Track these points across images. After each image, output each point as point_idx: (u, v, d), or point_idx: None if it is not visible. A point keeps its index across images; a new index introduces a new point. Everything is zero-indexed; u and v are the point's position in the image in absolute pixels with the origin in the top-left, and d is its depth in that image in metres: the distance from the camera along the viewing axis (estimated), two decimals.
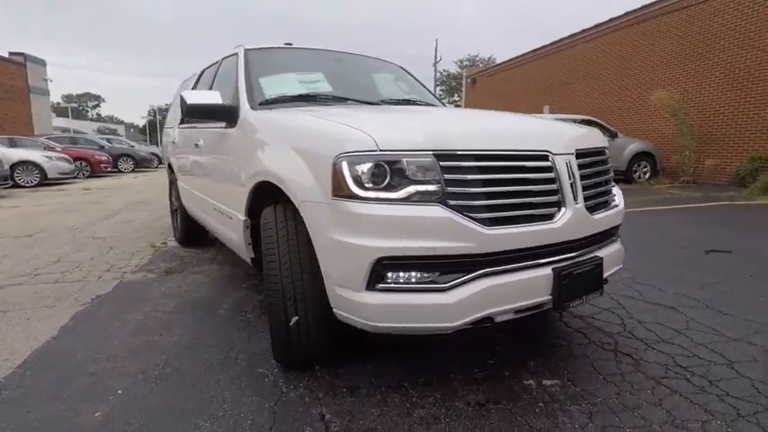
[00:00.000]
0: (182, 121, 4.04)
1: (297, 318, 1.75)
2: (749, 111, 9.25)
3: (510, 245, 1.57)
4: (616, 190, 2.15)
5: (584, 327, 2.41)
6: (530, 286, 1.63)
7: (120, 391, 1.80)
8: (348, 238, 1.53)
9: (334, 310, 1.67)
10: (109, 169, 15.94)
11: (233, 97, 2.64)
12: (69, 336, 2.34)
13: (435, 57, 34.82)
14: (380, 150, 1.52)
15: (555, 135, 1.79)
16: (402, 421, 1.60)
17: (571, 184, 1.73)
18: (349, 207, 1.53)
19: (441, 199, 1.51)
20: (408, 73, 3.66)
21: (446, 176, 1.52)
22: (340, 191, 1.56)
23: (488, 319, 1.60)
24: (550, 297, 1.67)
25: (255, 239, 2.31)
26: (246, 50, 2.91)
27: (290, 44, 3.18)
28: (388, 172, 1.51)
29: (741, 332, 2.28)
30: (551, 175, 1.70)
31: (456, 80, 42.78)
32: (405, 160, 1.51)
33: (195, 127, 3.34)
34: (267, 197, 2.11)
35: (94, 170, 14.92)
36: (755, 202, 7.03)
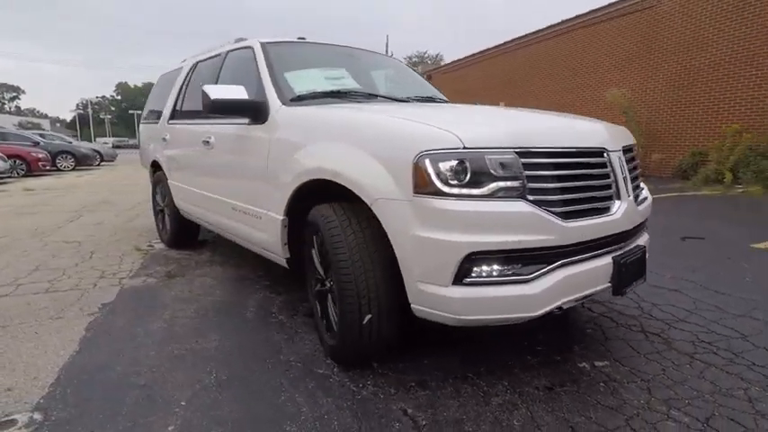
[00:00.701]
0: (172, 117, 3.83)
1: (370, 316, 1.75)
2: (689, 109, 10.17)
3: (583, 236, 1.66)
4: (642, 183, 2.33)
5: (607, 311, 2.59)
6: (596, 274, 1.74)
7: (183, 403, 1.70)
8: (435, 234, 1.55)
9: (412, 305, 1.68)
10: (47, 167, 14.60)
11: (256, 92, 2.54)
12: (94, 348, 2.16)
13: (387, 53, 35.22)
14: (465, 148, 1.55)
15: (607, 133, 1.91)
16: (483, 410, 1.66)
17: (624, 178, 1.86)
18: (435, 204, 1.55)
19: (521, 194, 1.57)
20: (412, 68, 3.70)
21: (526, 173, 1.59)
22: (423, 188, 1.57)
23: (559, 307, 1.69)
24: (610, 284, 1.79)
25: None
26: (264, 44, 2.81)
27: (304, 38, 3.10)
28: (472, 169, 1.55)
29: (742, 309, 2.55)
30: (608, 170, 1.81)
31: None
32: (488, 157, 1.56)
33: (201, 123, 3.17)
34: (310, 195, 2.09)
35: (31, 168, 13.60)
36: (702, 193, 7.78)
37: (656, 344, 2.16)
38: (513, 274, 1.58)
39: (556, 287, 1.61)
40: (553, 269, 1.62)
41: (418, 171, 1.58)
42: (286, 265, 2.44)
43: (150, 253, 4.02)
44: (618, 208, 1.81)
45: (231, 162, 2.76)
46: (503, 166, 1.56)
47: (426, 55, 45.69)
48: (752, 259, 3.55)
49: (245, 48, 2.96)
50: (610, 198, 1.81)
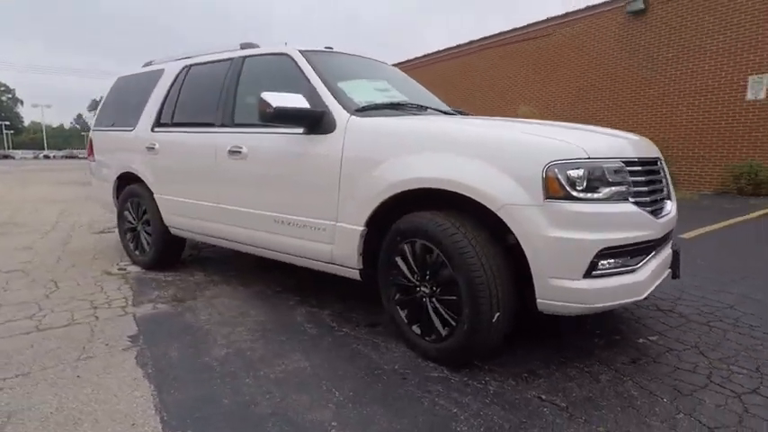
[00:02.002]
0: (160, 124, 3.46)
1: (498, 314, 1.88)
2: (588, 123, 11.94)
3: (665, 230, 2.01)
4: None
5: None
6: (666, 262, 2.11)
7: (335, 423, 1.64)
8: (569, 234, 1.75)
9: (539, 300, 1.85)
10: None
11: (311, 102, 2.48)
12: (174, 383, 1.91)
13: None
14: (589, 158, 1.79)
15: (652, 144, 2.32)
16: (600, 386, 1.89)
17: (668, 182, 2.27)
18: (567, 207, 1.76)
19: (627, 197, 1.86)
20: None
21: (630, 179, 1.88)
22: (554, 194, 1.77)
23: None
24: (670, 269, 2.18)
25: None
26: (304, 52, 2.75)
27: (331, 48, 3.08)
28: (595, 176, 1.79)
29: (716, 286, 3.21)
30: (661, 175, 2.20)
31: None
32: (605, 166, 1.81)
33: (221, 132, 2.94)
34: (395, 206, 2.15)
35: None
36: None
37: (676, 318, 2.63)
38: (626, 265, 1.86)
39: (652, 274, 1.93)
40: (650, 259, 1.93)
41: (549, 179, 1.77)
42: (357, 277, 2.43)
43: (129, 277, 3.54)
44: (670, 207, 2.21)
45: (277, 173, 2.63)
46: (615, 173, 1.83)
47: None
48: (689, 248, 4.41)
49: (278, 54, 2.86)
50: (664, 199, 2.21)
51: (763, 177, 8.19)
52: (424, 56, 17.32)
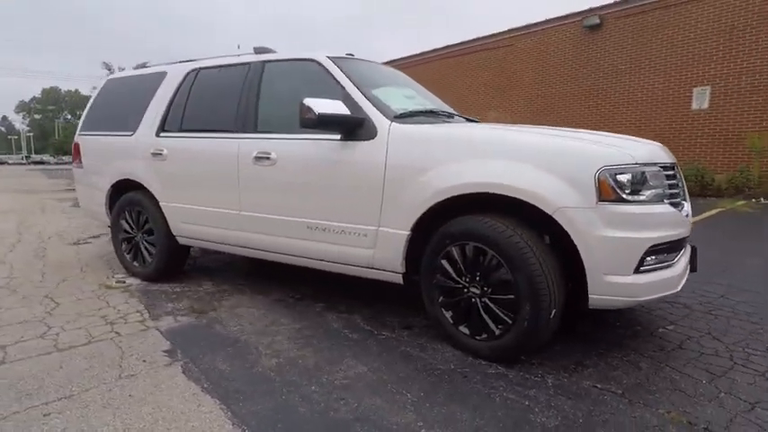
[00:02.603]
0: (165, 128, 3.32)
1: (555, 310, 2.00)
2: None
3: (690, 228, 2.22)
4: None
5: None
6: (687, 257, 2.32)
7: (421, 423, 1.67)
8: (622, 233, 1.90)
9: (592, 296, 1.98)
10: None
11: (351, 108, 2.49)
12: (240, 397, 1.86)
13: None
14: (636, 163, 1.95)
15: (668, 150, 2.54)
16: (644, 374, 2.05)
17: (683, 185, 2.50)
18: (619, 209, 1.91)
19: (663, 198, 2.04)
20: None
21: (665, 182, 2.07)
22: (607, 196, 1.91)
23: None
24: (689, 264, 2.40)
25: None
26: (333, 58, 2.76)
27: (352, 54, 3.10)
28: (640, 179, 1.96)
29: (702, 279, 3.53)
30: (678, 178, 2.43)
31: None
32: (647, 170, 1.99)
33: (245, 138, 2.87)
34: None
35: None
36: None
37: (681, 308, 2.89)
38: (665, 261, 2.04)
39: (684, 268, 2.13)
40: (682, 254, 2.13)
41: (601, 183, 1.92)
42: (399, 281, 2.47)
43: (133, 290, 3.34)
44: (687, 207, 2.44)
45: (312, 179, 2.62)
46: (654, 177, 2.02)
47: None
48: None
49: (303, 60, 2.84)
50: (682, 200, 2.43)
51: (708, 180, 9.05)
52: (390, 61, 17.55)
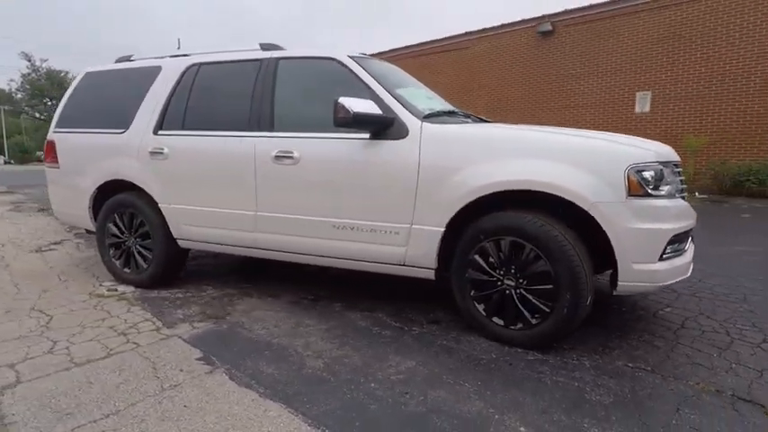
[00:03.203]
0: (172, 128, 3.15)
1: (590, 297, 2.16)
2: None
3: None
4: None
5: None
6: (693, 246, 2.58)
7: (492, 410, 1.75)
8: (649, 225, 2.10)
9: (621, 283, 2.16)
10: None
11: (381, 107, 2.51)
12: (304, 399, 1.83)
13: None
14: (656, 161, 2.16)
15: None
16: (676, 351, 2.28)
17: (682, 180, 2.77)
18: (646, 203, 2.11)
19: (676, 193, 2.27)
20: None
21: (677, 178, 2.30)
22: (635, 192, 2.10)
23: None
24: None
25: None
26: (354, 58, 2.76)
27: (365, 54, 3.10)
28: (661, 176, 2.17)
29: None
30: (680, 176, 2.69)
31: None
32: (665, 168, 2.20)
33: (264, 136, 2.79)
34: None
35: None
36: None
37: (670, 292, 3.19)
38: (679, 249, 2.27)
39: (691, 255, 2.37)
40: (690, 243, 2.38)
41: (630, 180, 2.10)
42: (431, 277, 2.53)
43: (131, 298, 3.13)
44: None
45: (339, 178, 2.60)
46: (670, 173, 2.24)
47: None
48: None
49: (323, 59, 2.82)
50: (684, 194, 2.69)
51: None
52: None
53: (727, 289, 3.26)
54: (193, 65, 3.21)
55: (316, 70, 2.88)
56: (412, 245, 2.49)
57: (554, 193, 2.17)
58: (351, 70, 2.71)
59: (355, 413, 1.74)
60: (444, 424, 1.67)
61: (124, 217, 3.35)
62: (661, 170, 2.19)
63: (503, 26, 12.66)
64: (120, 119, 3.33)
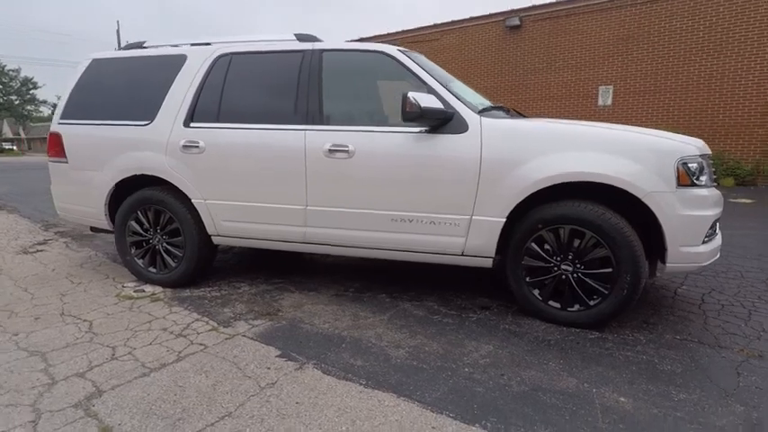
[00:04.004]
0: (206, 121, 3.02)
1: (645, 279, 2.37)
2: None
3: None
4: None
5: None
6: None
7: (586, 384, 1.90)
8: (696, 212, 2.34)
9: (669, 264, 2.39)
10: None
11: (444, 103, 2.56)
12: (426, 386, 1.89)
13: (119, 42, 29.65)
14: (698, 155, 2.39)
15: None
16: (713, 324, 2.55)
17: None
18: (693, 192, 2.34)
19: (710, 182, 2.53)
20: None
21: (710, 169, 2.55)
22: (683, 182, 2.33)
23: None
24: None
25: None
26: (404, 52, 2.79)
27: (403, 49, 3.12)
28: (702, 167, 2.41)
29: None
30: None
31: None
32: (704, 160, 2.45)
33: (313, 129, 2.75)
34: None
35: None
36: None
37: (693, 275, 3.48)
38: (714, 233, 2.54)
39: (720, 239, 2.66)
40: (718, 228, 2.66)
41: (679, 171, 2.32)
42: (488, 265, 2.65)
43: (166, 298, 2.99)
44: None
45: (397, 171, 2.63)
46: (707, 165, 2.49)
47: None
48: None
49: (371, 52, 2.81)
50: None
51: None
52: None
53: (723, 267, 3.66)
54: (224, 55, 3.08)
55: (364, 63, 2.88)
56: (472, 235, 2.59)
57: (613, 184, 2.34)
58: (403, 64, 2.73)
59: (467, 396, 1.83)
60: (553, 399, 1.80)
61: (149, 214, 3.18)
62: (702, 162, 2.43)
63: (472, 19, 12.93)
64: (143, 110, 3.14)
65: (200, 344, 2.33)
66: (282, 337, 2.42)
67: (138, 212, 3.20)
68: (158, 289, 3.19)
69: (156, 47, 3.39)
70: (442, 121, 2.54)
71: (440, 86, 2.65)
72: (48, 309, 2.81)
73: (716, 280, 3.33)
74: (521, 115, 3.21)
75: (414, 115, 2.40)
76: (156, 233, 3.20)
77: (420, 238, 2.68)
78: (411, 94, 2.38)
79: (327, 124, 2.79)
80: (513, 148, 2.49)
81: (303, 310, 2.80)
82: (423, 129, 2.59)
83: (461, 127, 2.56)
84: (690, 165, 2.35)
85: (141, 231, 3.23)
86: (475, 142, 2.53)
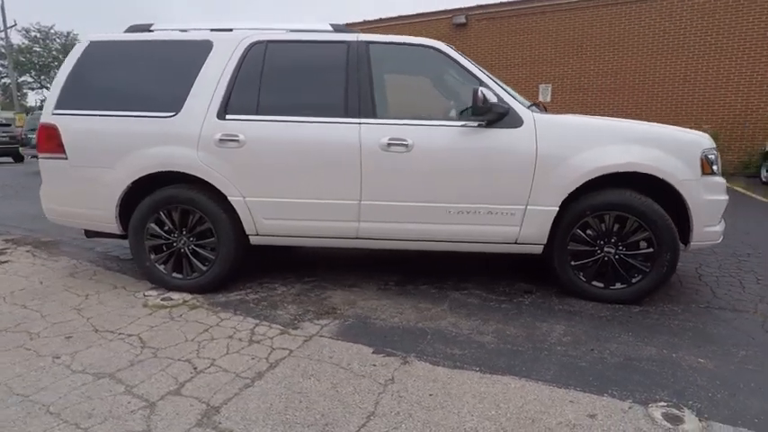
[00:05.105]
0: (243, 113, 2.82)
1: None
2: None
3: None
4: None
5: None
6: None
7: (655, 351, 2.15)
8: (715, 197, 2.72)
9: (693, 243, 2.76)
10: None
11: (498, 98, 2.67)
12: (544, 368, 1.99)
13: (4, 22, 25.66)
14: (713, 147, 2.78)
15: None
16: (737, 298, 2.97)
17: None
18: (713, 180, 2.72)
19: (717, 172, 2.94)
20: None
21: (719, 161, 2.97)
22: (706, 171, 2.70)
23: None
24: None
25: None
26: (450, 47, 2.84)
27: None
28: (714, 159, 2.80)
29: None
30: None
31: (26, 54, 34.57)
32: (716, 153, 2.84)
33: (370, 124, 2.71)
34: None
35: None
36: None
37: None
38: (722, 216, 2.96)
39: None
40: None
41: (703, 162, 2.68)
42: (538, 252, 2.83)
43: (202, 306, 2.76)
44: None
45: (456, 164, 2.69)
46: (717, 157, 2.89)
47: (54, 30, 36.21)
48: None
49: (419, 46, 2.83)
50: None
51: None
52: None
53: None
54: (258, 42, 2.89)
55: (412, 57, 2.89)
56: (526, 224, 2.75)
57: (653, 173, 2.64)
58: (455, 60, 2.80)
59: (577, 371, 1.98)
60: (647, 366, 2.03)
61: (173, 214, 2.91)
62: (715, 154, 2.82)
63: (419, 15, 13.21)
64: (163, 100, 2.84)
65: (283, 348, 2.22)
66: (362, 334, 2.39)
67: (161, 213, 2.90)
68: (186, 296, 2.93)
69: (166, 29, 3.07)
70: (500, 116, 2.66)
71: (492, 82, 2.76)
72: (73, 326, 2.47)
73: (698, 257, 3.86)
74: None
75: (484, 110, 2.49)
76: (182, 235, 2.94)
77: (477, 229, 2.78)
78: (482, 90, 2.46)
79: (380, 117, 2.77)
80: (565, 141, 2.69)
81: (360, 307, 2.77)
82: (479, 123, 2.69)
83: (517, 121, 2.70)
84: (709, 156, 2.73)
85: (164, 234, 2.94)
86: (530, 136, 2.69)
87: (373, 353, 2.18)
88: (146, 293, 2.96)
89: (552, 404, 1.75)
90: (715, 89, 10.39)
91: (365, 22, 14.04)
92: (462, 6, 12.44)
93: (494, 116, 2.64)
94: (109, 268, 3.54)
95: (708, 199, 2.69)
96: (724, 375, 1.95)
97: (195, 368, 2.03)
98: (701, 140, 2.75)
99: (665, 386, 1.87)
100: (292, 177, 2.81)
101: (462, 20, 12.42)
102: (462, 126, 2.71)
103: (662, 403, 1.75)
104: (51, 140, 2.91)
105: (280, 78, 2.86)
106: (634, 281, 2.75)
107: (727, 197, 2.81)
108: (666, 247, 2.65)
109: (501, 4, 11.95)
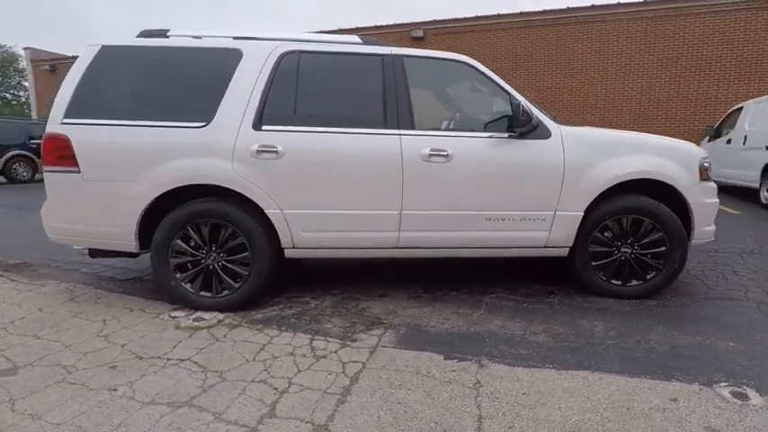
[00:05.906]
0: (280, 123, 2.76)
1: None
2: None
3: None
4: None
5: None
6: None
7: (687, 339, 2.41)
8: (711, 200, 3.10)
9: (694, 240, 3.10)
10: None
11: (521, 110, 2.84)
12: (604, 362, 2.13)
13: None
14: (706, 156, 3.16)
15: None
16: (750, 286, 3.35)
17: None
18: (708, 185, 3.10)
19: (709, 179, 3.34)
20: None
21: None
22: (703, 177, 3.06)
23: None
24: None
25: None
26: (478, 63, 2.99)
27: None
28: (709, 166, 3.18)
29: None
30: None
31: None
32: (709, 161, 3.23)
33: (411, 135, 2.75)
34: None
35: None
36: None
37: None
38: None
39: None
40: None
41: (701, 169, 3.05)
42: (564, 254, 3.04)
43: (235, 324, 2.63)
44: None
45: (492, 173, 2.82)
46: (710, 165, 3.28)
47: (5, 47, 34.21)
48: None
49: (451, 60, 2.95)
50: None
51: None
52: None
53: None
54: (290, 52, 2.84)
55: (445, 71, 2.99)
56: (555, 228, 2.94)
57: (665, 180, 2.95)
58: (486, 75, 2.95)
59: (639, 362, 2.16)
60: (692, 352, 2.26)
61: (203, 229, 2.75)
62: (709, 162, 3.21)
63: (376, 27, 13.45)
64: (192, 109, 2.69)
65: (354, 361, 2.20)
66: (422, 341, 2.42)
67: (189, 229, 2.74)
68: (218, 315, 2.77)
69: (182, 36, 2.92)
70: (534, 128, 2.84)
71: (520, 97, 2.94)
72: (110, 354, 2.25)
73: (713, 257, 4.24)
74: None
75: (524, 122, 2.65)
76: (211, 251, 2.79)
77: (511, 235, 2.93)
78: (525, 104, 2.62)
79: (419, 129, 2.84)
80: (589, 151, 2.93)
81: (403, 315, 2.79)
82: (512, 134, 2.85)
83: (546, 133, 2.89)
84: (704, 164, 3.10)
85: (192, 251, 2.76)
86: (558, 146, 2.89)
87: (445, 359, 2.22)
88: (171, 315, 2.76)
89: (635, 392, 1.90)
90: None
91: (322, 32, 14.01)
92: (419, 21, 12.86)
93: (530, 128, 2.81)
94: (111, 290, 3.24)
95: (705, 201, 3.06)
96: (759, 356, 2.23)
97: (276, 389, 1.95)
98: (698, 151, 3.12)
99: (717, 369, 2.10)
100: (332, 188, 2.79)
101: (420, 34, 12.84)
102: (497, 138, 2.85)
103: (723, 383, 1.97)
104: (60, 152, 2.64)
105: (315, 89, 2.83)
106: (648, 277, 3.04)
107: (718, 200, 3.21)
108: (677, 245, 2.97)
109: (457, 19, 12.53)
